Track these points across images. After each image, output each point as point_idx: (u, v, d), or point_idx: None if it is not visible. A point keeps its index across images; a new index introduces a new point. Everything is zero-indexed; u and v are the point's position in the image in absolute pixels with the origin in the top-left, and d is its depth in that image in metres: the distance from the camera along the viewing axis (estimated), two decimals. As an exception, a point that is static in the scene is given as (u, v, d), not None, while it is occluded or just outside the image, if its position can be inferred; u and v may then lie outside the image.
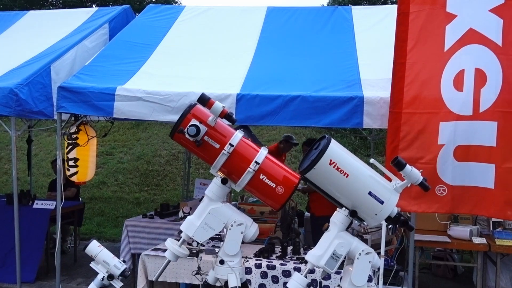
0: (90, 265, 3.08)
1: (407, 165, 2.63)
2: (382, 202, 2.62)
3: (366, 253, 2.70)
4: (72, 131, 4.57)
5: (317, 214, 6.42)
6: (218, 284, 2.95)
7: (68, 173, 4.68)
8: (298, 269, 4.16)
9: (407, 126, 3.69)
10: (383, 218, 2.68)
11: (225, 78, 4.41)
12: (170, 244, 2.87)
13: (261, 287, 4.23)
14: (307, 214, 7.61)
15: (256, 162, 2.78)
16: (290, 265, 4.23)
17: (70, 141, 4.58)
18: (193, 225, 2.84)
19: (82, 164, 4.59)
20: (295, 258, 4.45)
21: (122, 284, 3.07)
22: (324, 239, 2.72)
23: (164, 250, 4.65)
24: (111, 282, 3.00)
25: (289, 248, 4.72)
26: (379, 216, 2.67)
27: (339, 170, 2.58)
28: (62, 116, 4.56)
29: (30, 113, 4.50)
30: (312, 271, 2.71)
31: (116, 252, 7.42)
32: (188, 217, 2.91)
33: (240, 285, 2.86)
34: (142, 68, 4.64)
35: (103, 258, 3.02)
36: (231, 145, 2.77)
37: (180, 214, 5.06)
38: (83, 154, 4.60)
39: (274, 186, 2.80)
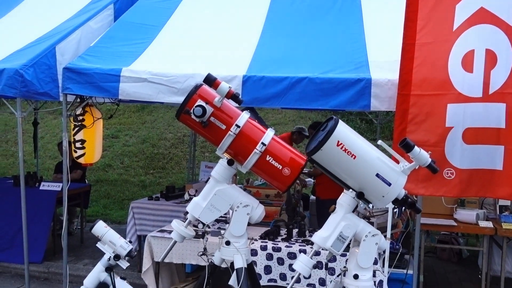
0: (97, 245, 3.09)
1: (416, 146, 2.60)
2: (389, 184, 2.60)
3: (373, 235, 2.69)
4: (78, 112, 4.56)
5: (322, 197, 6.41)
6: (223, 265, 2.97)
7: (75, 155, 4.68)
8: (303, 251, 4.17)
9: (415, 108, 3.64)
10: (390, 200, 2.67)
11: (231, 59, 4.37)
12: (176, 225, 2.88)
13: (267, 269, 4.25)
14: (312, 197, 7.62)
15: (262, 143, 2.76)
16: (295, 247, 4.24)
17: (76, 123, 4.56)
18: (199, 206, 2.84)
19: (88, 146, 4.59)
20: (300, 241, 4.46)
21: (129, 264, 3.09)
22: (331, 220, 2.71)
23: (170, 232, 4.68)
24: (118, 262, 3.01)
25: (295, 231, 4.72)
26: (386, 198, 2.65)
27: (346, 151, 2.56)
28: (68, 98, 4.55)
29: (36, 94, 4.48)
30: (318, 253, 2.70)
31: (122, 234, 7.46)
32: (194, 198, 2.92)
33: (246, 266, 2.87)
34: (147, 50, 4.60)
35: (110, 239, 3.04)
36: (238, 126, 2.75)
37: (186, 196, 5.07)
38: (90, 135, 4.60)
39: (280, 168, 2.79)
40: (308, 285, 4.19)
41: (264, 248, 4.27)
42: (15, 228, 6.02)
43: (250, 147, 2.75)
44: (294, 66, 4.27)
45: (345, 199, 2.71)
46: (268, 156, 2.76)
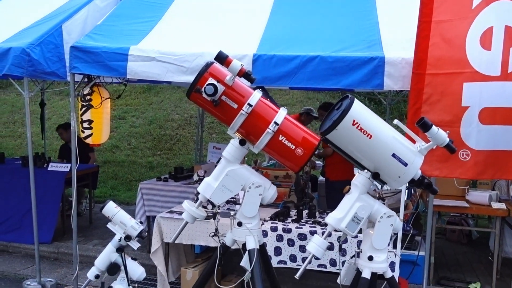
0: (107, 226, 3.07)
1: (433, 126, 2.53)
2: (405, 164, 2.54)
3: (388, 216, 2.64)
4: (85, 92, 4.50)
5: (331, 178, 6.36)
6: (235, 246, 2.94)
7: (82, 135, 4.64)
8: (314, 233, 4.14)
9: (430, 88, 3.55)
10: (407, 180, 2.61)
11: (241, 37, 4.27)
12: (187, 205, 2.84)
13: (277, 250, 4.23)
14: (321, 178, 7.58)
15: (275, 122, 2.70)
16: (305, 229, 4.21)
17: (84, 103, 4.51)
18: (211, 186, 2.80)
19: (96, 126, 4.55)
20: (310, 222, 4.42)
21: (140, 245, 3.07)
22: (345, 201, 2.66)
23: (180, 213, 4.66)
24: (129, 243, 2.99)
25: (305, 212, 4.69)
26: (402, 179, 2.59)
27: (362, 130, 2.50)
28: (75, 78, 4.48)
29: (43, 74, 4.42)
30: (331, 234, 2.66)
31: (131, 215, 7.52)
32: (205, 179, 2.87)
33: (258, 247, 2.84)
34: (155, 28, 4.51)
35: (120, 219, 3.01)
36: (250, 105, 2.69)
37: (195, 177, 5.04)
38: (97, 116, 4.55)
39: (293, 148, 2.73)
40: (319, 265, 4.17)
41: (274, 229, 4.24)
42: (24, 208, 6.04)
43: (263, 126, 2.69)
44: (305, 44, 4.17)
45: (360, 179, 2.65)
46: (280, 136, 2.71)
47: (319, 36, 4.35)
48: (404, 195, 4.05)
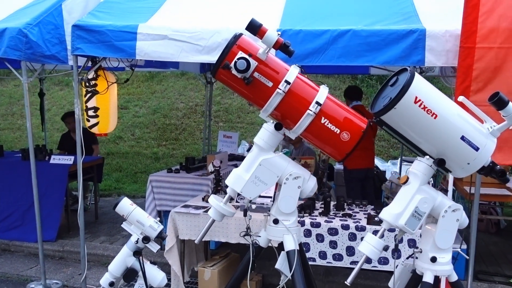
0: (122, 225, 2.68)
1: (510, 102, 2.13)
2: (477, 149, 2.14)
3: (453, 210, 2.24)
4: (90, 77, 4.08)
5: (349, 167, 5.98)
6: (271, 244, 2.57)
7: (87, 124, 4.23)
8: (345, 227, 3.76)
9: (481, 63, 3.15)
10: (477, 168, 2.20)
11: (262, 11, 3.85)
12: (215, 201, 2.46)
13: (304, 246, 3.85)
14: (337, 166, 7.20)
15: (317, 102, 2.30)
16: (336, 222, 3.82)
17: (88, 89, 4.10)
18: (241, 179, 2.41)
19: (103, 114, 4.14)
20: (340, 215, 4.04)
21: (159, 247, 2.68)
22: (403, 193, 2.26)
23: (196, 207, 4.27)
24: (147, 245, 2.60)
25: (332, 203, 4.31)
26: (472, 166, 2.19)
27: (425, 109, 2.09)
28: (79, 62, 4.07)
29: (42, 57, 4.01)
30: (377, 232, 2.28)
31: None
32: (235, 170, 2.49)
33: (298, 247, 2.46)
34: (165, 4, 4.08)
35: (137, 218, 2.61)
36: (287, 82, 2.29)
37: (210, 168, 4.63)
38: (103, 102, 4.14)
39: (338, 132, 2.33)
40: (352, 262, 3.79)
41: (301, 223, 3.85)
42: (26, 204, 5.67)
43: (302, 107, 2.30)
44: (332, 18, 3.76)
45: (421, 167, 2.26)
46: (323, 118, 2.31)
47: (347, 9, 3.94)
48: (451, 183, 3.64)
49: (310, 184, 2.47)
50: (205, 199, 4.46)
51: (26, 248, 5.54)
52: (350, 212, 4.13)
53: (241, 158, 6.27)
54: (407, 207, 2.22)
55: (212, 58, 3.59)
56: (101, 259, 5.29)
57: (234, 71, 2.25)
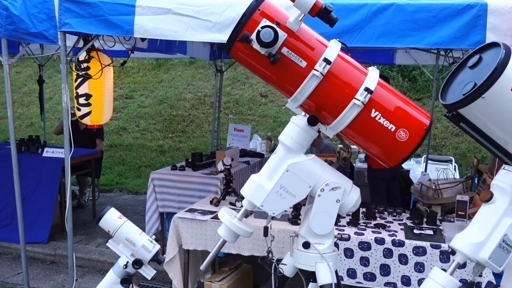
0: (107, 244, 2.10)
1: None
2: None
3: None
4: (81, 58, 3.50)
5: (374, 166, 5.36)
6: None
7: (78, 113, 3.66)
8: (380, 241, 3.15)
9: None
10: None
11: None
12: (225, 216, 1.87)
13: (330, 262, 3.25)
14: (358, 165, 6.59)
15: (366, 89, 1.70)
16: (368, 235, 3.21)
17: (79, 72, 3.51)
18: (263, 189, 1.81)
19: (96, 102, 3.56)
20: (372, 225, 3.43)
21: (155, 272, 2.10)
22: (486, 216, 1.64)
23: (202, 212, 3.69)
24: (139, 270, 2.02)
25: (361, 210, 3.70)
26: None
27: (526, 99, 1.49)
28: (68, 40, 3.48)
29: (27, 35, 3.44)
30: (455, 269, 1.67)
31: (141, 206, 6.54)
32: (253, 176, 1.88)
33: (335, 280, 1.87)
34: (169, -27, 3.47)
35: (126, 235, 2.03)
36: (327, 62, 1.68)
37: (220, 167, 4.04)
38: (97, 89, 3.56)
39: (393, 130, 1.72)
40: (388, 284, 3.18)
41: (327, 235, 3.24)
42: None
43: (345, 96, 1.70)
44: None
45: (510, 180, 1.65)
46: (374, 110, 1.71)
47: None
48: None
49: (353, 197, 1.87)
50: (213, 202, 3.88)
51: (14, 250, 4.99)
52: (383, 221, 3.53)
53: (253, 154, 5.67)
54: (491, 235, 1.61)
55: (224, 36, 2.99)
56: (97, 265, 4.73)
57: (255, 45, 1.65)
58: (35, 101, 9.51)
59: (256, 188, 1.84)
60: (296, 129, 1.84)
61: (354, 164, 6.70)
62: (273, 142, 6.38)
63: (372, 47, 2.98)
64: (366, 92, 1.69)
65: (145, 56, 7.43)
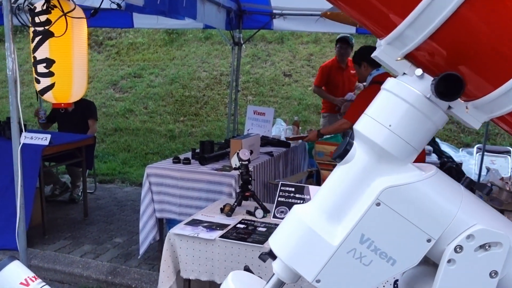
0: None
1: None
2: None
3: None
4: (38, 8, 2.45)
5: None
6: None
7: (37, 86, 2.63)
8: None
9: None
10: None
11: None
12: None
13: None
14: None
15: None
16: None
17: (37, 28, 2.47)
18: (319, 241, 0.71)
19: (61, 71, 2.52)
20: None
21: None
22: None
23: (209, 226, 2.65)
24: None
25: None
26: None
27: None
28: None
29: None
30: None
31: (139, 206, 5.52)
32: (297, 210, 0.79)
33: None
34: None
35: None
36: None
37: (234, 163, 2.97)
38: (62, 52, 2.52)
39: None
40: None
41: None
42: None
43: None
44: None
45: None
46: None
47: None
48: None
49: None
50: (225, 210, 2.85)
51: (-18, 259, 4.05)
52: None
53: (277, 143, 4.60)
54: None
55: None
56: (80, 280, 3.76)
57: None
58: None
59: (305, 238, 0.78)
60: (400, 107, 0.77)
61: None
62: (300, 128, 5.30)
63: None
64: None
65: (152, 27, 6.37)
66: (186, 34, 10.28)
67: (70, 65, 2.55)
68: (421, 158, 3.81)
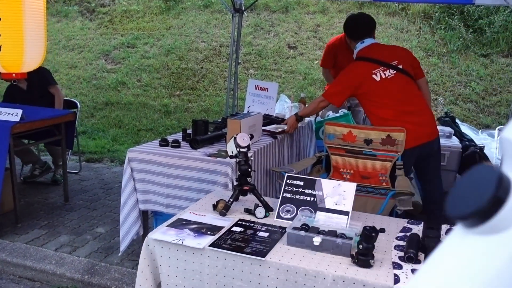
0: None
1: None
2: None
3: None
4: None
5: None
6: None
7: (-20, 52, 2.06)
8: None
9: None
10: None
11: None
12: None
13: None
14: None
15: None
16: None
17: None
18: None
19: (8, 33, 1.96)
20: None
21: None
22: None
23: (197, 228, 2.05)
24: None
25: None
26: None
27: None
28: None
29: None
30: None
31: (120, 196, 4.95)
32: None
33: None
34: None
35: None
36: None
37: (231, 149, 2.43)
38: (9, 9, 1.94)
39: None
40: None
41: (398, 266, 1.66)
42: None
43: None
44: None
45: None
46: None
47: None
48: None
49: None
50: (218, 207, 2.33)
51: None
52: None
53: (281, 122, 4.04)
54: None
55: None
56: (52, 279, 3.27)
57: None
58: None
59: None
60: None
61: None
62: (307, 105, 4.73)
63: None
64: None
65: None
66: (183, 2, 9.59)
67: (21, 25, 1.98)
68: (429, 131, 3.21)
